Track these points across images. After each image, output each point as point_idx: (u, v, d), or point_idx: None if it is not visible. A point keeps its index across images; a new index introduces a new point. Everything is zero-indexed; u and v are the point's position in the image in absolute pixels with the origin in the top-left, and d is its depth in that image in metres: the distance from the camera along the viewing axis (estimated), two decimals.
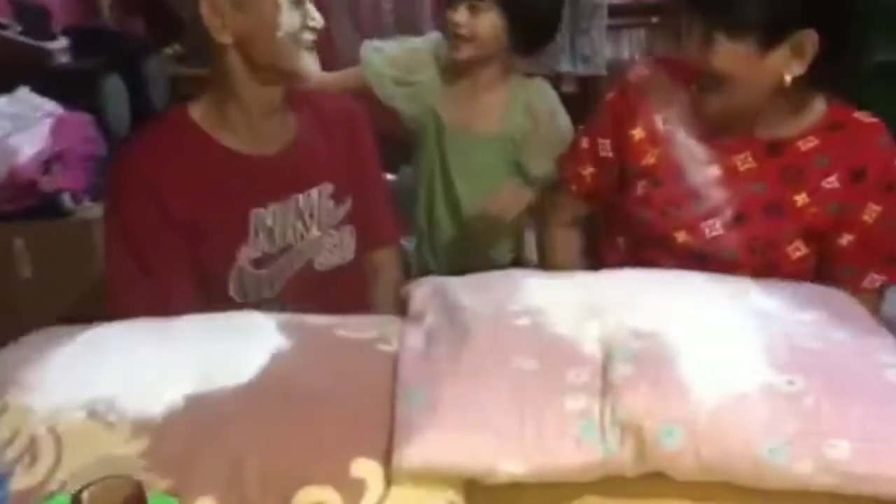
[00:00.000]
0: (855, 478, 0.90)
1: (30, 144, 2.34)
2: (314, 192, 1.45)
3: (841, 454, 0.90)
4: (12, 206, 2.32)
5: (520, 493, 0.95)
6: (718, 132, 1.35)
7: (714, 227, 1.33)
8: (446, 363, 1.02)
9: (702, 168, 1.35)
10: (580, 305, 1.09)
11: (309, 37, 1.35)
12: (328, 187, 1.47)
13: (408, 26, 3.79)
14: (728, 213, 1.33)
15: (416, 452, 0.91)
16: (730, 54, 1.23)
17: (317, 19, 1.36)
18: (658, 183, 1.37)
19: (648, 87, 1.39)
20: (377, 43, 1.96)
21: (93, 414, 0.98)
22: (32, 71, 2.57)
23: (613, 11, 3.57)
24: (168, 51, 3.05)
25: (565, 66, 3.56)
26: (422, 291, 1.22)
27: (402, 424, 0.95)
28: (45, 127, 2.41)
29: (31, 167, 2.30)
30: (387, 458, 0.93)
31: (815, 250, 1.34)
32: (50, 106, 2.48)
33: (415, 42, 1.94)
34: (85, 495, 0.78)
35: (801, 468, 0.90)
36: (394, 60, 1.89)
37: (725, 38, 1.22)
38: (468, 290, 1.17)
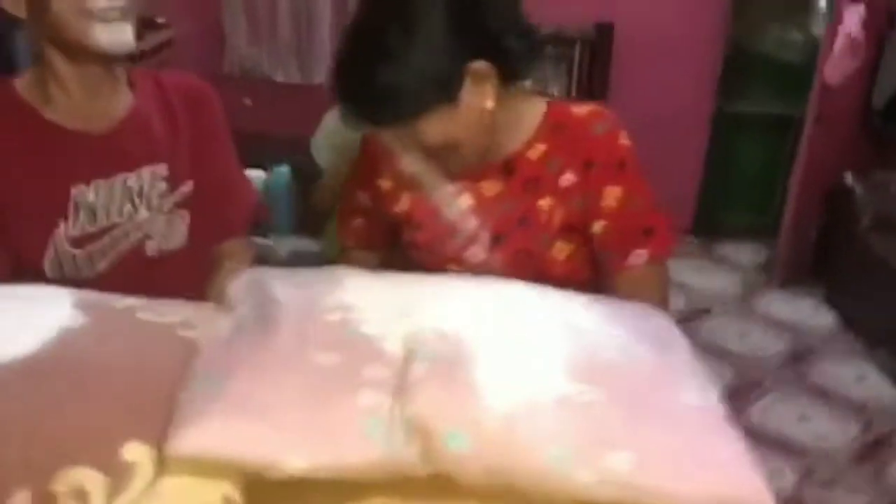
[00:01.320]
0: (635, 490, 0.90)
1: None
2: (145, 172, 1.39)
3: (623, 466, 0.90)
4: None
5: (303, 493, 0.92)
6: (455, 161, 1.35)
7: (476, 254, 1.35)
8: (244, 353, 0.98)
9: (454, 203, 1.36)
10: (393, 304, 1.07)
11: (100, 5, 1.23)
12: (162, 168, 1.41)
13: (304, 22, 3.76)
14: (485, 238, 1.35)
15: (191, 439, 0.87)
16: (431, 127, 1.19)
17: None
18: (418, 227, 1.40)
19: (386, 137, 1.33)
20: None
21: None
22: None
23: None
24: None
25: None
26: (242, 281, 1.18)
27: (181, 409, 0.91)
28: None
29: None
30: (162, 444, 0.88)
31: (581, 244, 1.34)
32: None
33: None
34: None
35: (583, 477, 0.90)
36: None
37: (414, 123, 1.19)
38: (286, 284, 1.14)
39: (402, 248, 1.45)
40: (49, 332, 1.00)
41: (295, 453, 0.89)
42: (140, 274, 1.40)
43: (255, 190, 1.66)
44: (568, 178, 1.31)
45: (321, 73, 3.76)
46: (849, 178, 3.57)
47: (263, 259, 1.79)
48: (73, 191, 1.33)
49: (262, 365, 0.96)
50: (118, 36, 1.27)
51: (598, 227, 1.32)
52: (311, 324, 1.03)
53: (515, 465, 0.90)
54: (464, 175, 1.34)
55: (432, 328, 1.02)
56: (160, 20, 3.71)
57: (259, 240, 1.86)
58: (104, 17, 1.24)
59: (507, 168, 1.33)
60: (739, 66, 3.84)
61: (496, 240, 1.34)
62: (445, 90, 1.18)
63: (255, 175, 2.72)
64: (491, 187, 1.34)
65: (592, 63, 3.77)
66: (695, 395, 1.01)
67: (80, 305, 1.07)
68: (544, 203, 1.32)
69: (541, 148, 1.32)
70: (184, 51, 3.70)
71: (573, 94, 3.79)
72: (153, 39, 3.47)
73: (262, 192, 2.26)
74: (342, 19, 3.65)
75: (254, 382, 0.93)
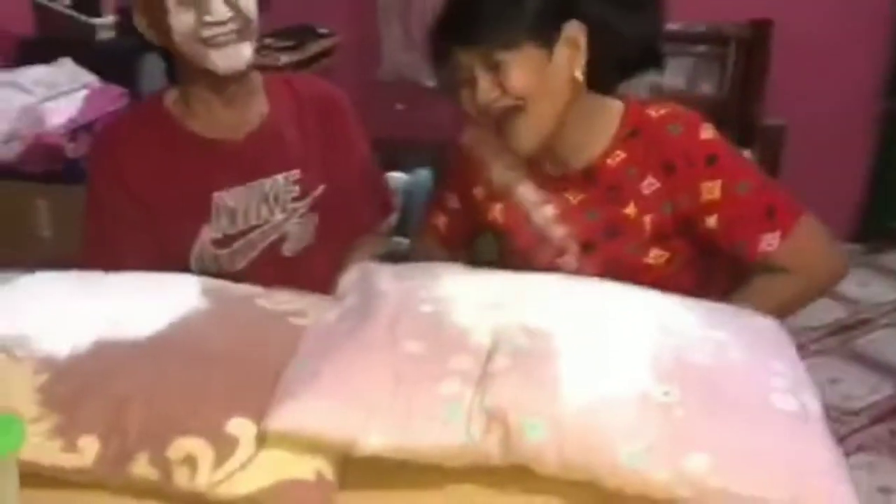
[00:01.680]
0: (709, 492, 0.89)
1: (61, 112, 2.47)
2: (280, 177, 1.49)
3: (700, 467, 0.90)
4: (38, 168, 2.44)
5: (391, 477, 0.98)
6: (542, 169, 1.36)
7: (568, 263, 1.34)
8: (341, 339, 1.05)
9: (540, 210, 1.36)
10: (484, 298, 1.10)
11: (210, 33, 1.33)
12: (295, 173, 1.50)
13: None
14: (575, 247, 1.34)
15: (284, 416, 0.94)
16: (521, 67, 1.22)
17: (214, 13, 1.33)
18: (511, 235, 1.41)
19: (480, 147, 1.41)
20: None
21: (4, 349, 1.04)
22: (77, 44, 2.70)
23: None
24: None
25: None
26: (353, 274, 1.25)
27: (281, 390, 0.98)
28: (79, 97, 2.54)
29: (57, 133, 2.41)
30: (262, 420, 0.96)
31: (681, 249, 1.32)
32: (88, 78, 2.61)
33: None
34: None
35: (659, 476, 0.90)
36: None
37: (506, 53, 1.21)
38: (391, 277, 1.20)
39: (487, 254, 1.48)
40: (176, 314, 1.11)
41: (375, 431, 0.94)
42: (277, 272, 1.49)
43: (388, 191, 1.73)
44: (650, 184, 1.30)
45: None
46: None
47: (403, 257, 1.87)
48: (215, 196, 1.46)
49: (356, 350, 1.02)
50: (232, 60, 1.37)
51: (711, 222, 1.29)
52: (405, 314, 1.08)
53: (591, 458, 0.92)
54: (548, 184, 1.36)
55: (519, 323, 1.04)
56: (322, 30, 3.91)
57: (401, 239, 1.93)
58: (217, 43, 1.35)
59: (588, 176, 1.33)
60: None
61: (586, 249, 1.34)
62: (541, 30, 1.22)
63: (397, 177, 2.82)
64: (574, 196, 1.34)
65: (748, 62, 3.64)
66: (789, 400, 0.98)
67: (207, 292, 1.18)
68: (630, 211, 1.31)
69: (620, 155, 1.32)
70: (343, 58, 3.88)
71: (725, 94, 3.67)
72: (314, 47, 3.66)
73: (404, 193, 2.33)
74: None
75: (346, 366, 1.00)
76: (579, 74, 1.25)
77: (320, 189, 1.54)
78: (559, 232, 1.36)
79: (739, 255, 1.30)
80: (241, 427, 0.97)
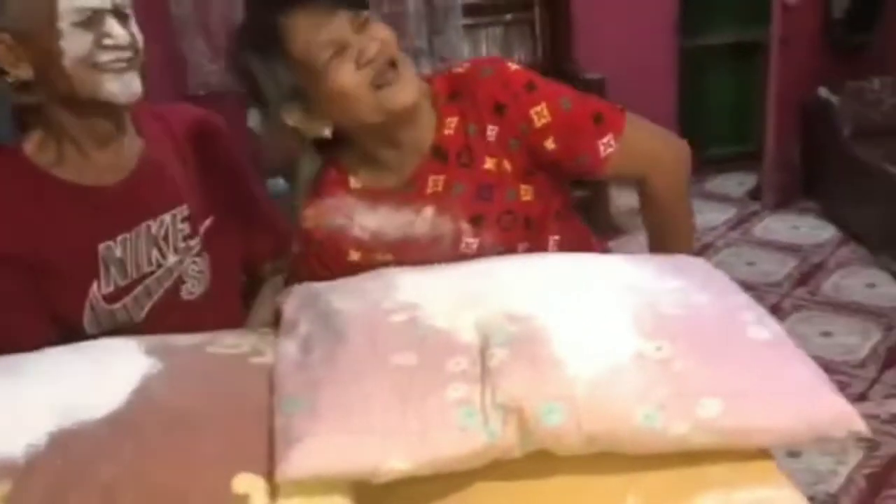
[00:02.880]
0: (728, 433, 0.93)
1: None
2: (167, 216, 1.39)
3: (712, 412, 0.93)
4: None
5: (411, 487, 0.95)
6: (386, 185, 1.34)
7: (469, 243, 1.32)
8: (323, 369, 1.00)
9: (417, 222, 1.32)
10: (454, 296, 1.09)
11: (107, 57, 1.24)
12: (182, 209, 1.40)
13: None
14: (466, 227, 1.32)
15: (299, 461, 0.89)
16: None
17: (117, 36, 1.24)
18: (402, 260, 1.30)
19: (326, 222, 1.35)
20: None
21: None
22: None
23: (468, 11, 3.63)
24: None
25: (425, 68, 3.60)
26: (293, 300, 1.19)
27: (281, 435, 0.93)
28: None
29: None
30: (269, 471, 0.90)
31: (540, 177, 1.34)
32: None
33: None
34: None
35: (676, 430, 0.93)
36: None
37: (366, 11, 1.24)
38: (341, 294, 1.15)
39: None
40: (132, 383, 1.01)
41: (396, 456, 0.91)
42: (180, 318, 1.39)
43: (282, 216, 1.62)
44: (491, 131, 1.30)
45: None
46: (823, 92, 3.62)
47: None
48: (101, 248, 1.33)
49: (344, 376, 0.98)
50: (128, 86, 1.27)
51: (549, 144, 1.30)
52: (379, 328, 1.05)
53: (612, 428, 0.93)
54: (405, 194, 1.32)
55: (501, 311, 1.04)
56: None
57: None
58: (113, 69, 1.24)
59: (438, 153, 1.32)
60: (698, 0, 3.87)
61: (474, 221, 1.32)
62: None
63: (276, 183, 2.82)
64: (436, 181, 1.32)
65: (554, 23, 3.79)
66: (761, 330, 1.04)
67: (151, 351, 1.09)
68: (489, 165, 1.31)
69: (453, 121, 1.32)
70: (151, 77, 3.67)
71: (539, 56, 3.81)
72: None
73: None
74: None
75: (341, 395, 0.95)
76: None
77: (207, 223, 1.45)
78: (446, 223, 1.32)
79: (586, 171, 1.33)
80: (247, 483, 0.90)
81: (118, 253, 1.34)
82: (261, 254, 1.57)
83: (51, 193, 1.31)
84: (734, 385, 0.95)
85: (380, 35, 1.23)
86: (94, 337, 1.29)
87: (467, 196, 1.31)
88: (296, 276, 1.37)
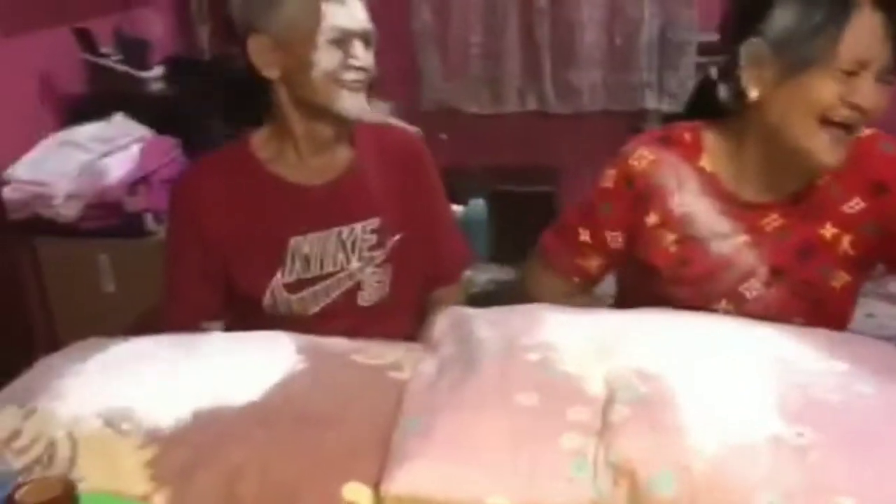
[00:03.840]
0: None
1: (118, 167, 2.49)
2: (358, 225, 1.48)
3: None
4: (99, 224, 2.46)
5: None
6: (736, 196, 1.29)
7: (754, 287, 1.28)
8: (448, 394, 1.02)
9: (727, 239, 1.29)
10: (592, 343, 1.07)
11: (350, 76, 1.37)
12: (374, 221, 1.49)
13: (494, 60, 3.84)
14: (763, 271, 1.28)
15: (404, 480, 0.92)
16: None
17: (361, 58, 1.37)
18: (685, 263, 1.31)
19: (656, 172, 1.32)
20: None
21: (109, 422, 1.03)
22: (128, 98, 2.73)
23: (703, 49, 3.52)
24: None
25: (651, 103, 3.54)
26: (444, 321, 1.23)
27: (394, 451, 0.96)
28: (134, 150, 2.56)
29: (118, 188, 2.44)
30: (378, 484, 0.94)
31: (860, 276, 1.28)
32: (141, 131, 2.64)
33: None
34: (19, 493, 0.83)
35: None
36: None
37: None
38: (488, 323, 1.17)
39: (655, 287, 1.35)
40: (274, 378, 1.09)
41: (499, 494, 0.91)
42: (352, 321, 1.48)
43: (464, 243, 1.69)
44: (855, 204, 1.24)
45: (512, 101, 3.82)
46: None
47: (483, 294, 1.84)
48: (291, 242, 1.44)
49: (465, 405, 0.99)
50: (359, 104, 1.40)
51: None
52: (511, 363, 1.05)
53: None
54: (740, 211, 1.28)
55: (634, 368, 1.01)
56: None
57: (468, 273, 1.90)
58: (351, 87, 1.38)
59: (796, 199, 1.27)
60: None
61: (775, 273, 1.27)
62: None
63: (454, 209, 2.80)
64: (771, 221, 1.27)
65: None
66: None
67: (303, 350, 1.16)
68: (826, 232, 1.26)
69: (826, 175, 1.26)
70: (382, 90, 3.88)
71: None
72: None
73: (461, 224, 2.32)
74: (528, 49, 3.70)
75: (458, 423, 0.97)
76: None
77: (397, 238, 1.52)
78: (748, 257, 1.28)
79: None
80: (357, 492, 0.94)
81: (306, 249, 1.45)
82: (443, 276, 1.63)
83: (261, 186, 1.46)
84: (873, 487, 0.86)
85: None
86: (271, 318, 1.42)
87: (789, 246, 1.28)
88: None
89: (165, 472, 0.97)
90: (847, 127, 1.16)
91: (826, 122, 1.16)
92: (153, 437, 1.01)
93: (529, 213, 2.23)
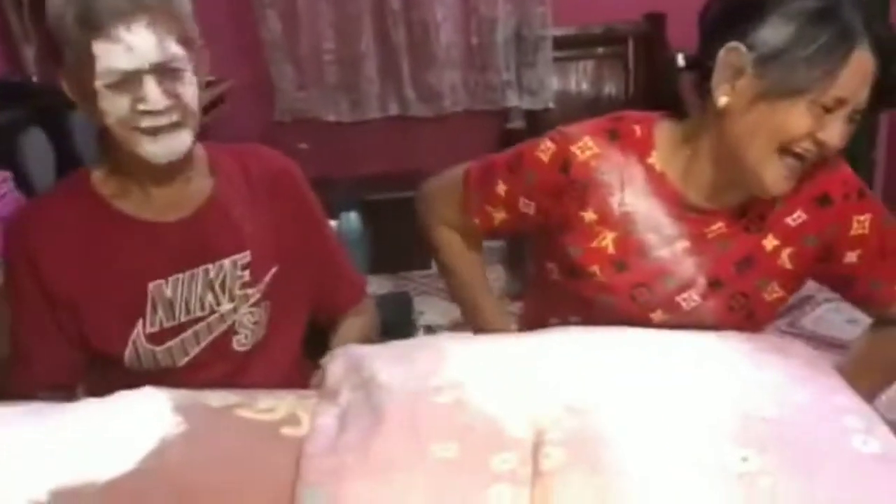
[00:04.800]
0: None
1: None
2: (226, 261, 1.31)
3: None
4: None
5: None
6: (683, 199, 1.22)
7: (691, 299, 1.21)
8: (354, 454, 0.89)
9: (668, 244, 1.22)
10: (510, 376, 0.97)
11: (145, 123, 1.17)
12: (244, 256, 1.32)
13: (350, 66, 3.71)
14: (702, 281, 1.22)
15: None
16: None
17: (151, 101, 1.15)
18: (623, 267, 1.23)
19: (599, 167, 1.22)
20: None
21: None
22: None
23: (559, 44, 3.52)
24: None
25: (512, 101, 3.51)
26: (338, 364, 1.10)
27: None
28: None
29: None
30: None
31: (792, 291, 1.25)
32: None
33: None
34: None
35: None
36: None
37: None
38: (387, 363, 1.05)
39: (586, 291, 1.26)
40: (148, 445, 0.94)
41: None
42: (226, 367, 1.32)
43: (353, 267, 1.54)
44: (798, 217, 1.19)
45: (371, 108, 3.71)
46: None
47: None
48: (150, 287, 1.27)
49: (376, 468, 0.87)
50: (167, 147, 1.19)
51: (851, 257, 1.20)
52: (421, 409, 0.93)
53: None
54: (690, 218, 1.21)
55: (562, 403, 0.91)
56: (210, 78, 3.70)
57: None
58: (152, 132, 1.18)
59: (741, 210, 1.21)
60: None
61: (713, 284, 1.21)
62: None
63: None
64: (713, 229, 1.21)
65: (648, 58, 3.64)
66: (870, 441, 0.88)
67: (180, 410, 1.00)
68: (768, 243, 1.20)
69: None
70: (235, 103, 3.69)
71: (632, 93, 3.66)
72: (206, 97, 3.46)
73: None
74: (385, 53, 3.60)
75: (370, 491, 0.84)
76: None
77: (273, 272, 1.36)
78: (688, 265, 1.21)
79: (869, 296, 1.24)
80: None
81: (168, 293, 1.28)
82: (341, 306, 1.48)
83: (107, 225, 1.27)
84: None
85: None
86: (136, 374, 1.25)
87: (729, 256, 1.21)
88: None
89: None
90: (803, 159, 1.11)
91: (785, 151, 1.10)
92: None
93: (403, 220, 2.13)
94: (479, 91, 3.60)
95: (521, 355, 1.02)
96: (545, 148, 1.25)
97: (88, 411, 1.04)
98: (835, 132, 1.08)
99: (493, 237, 1.40)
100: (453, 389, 0.95)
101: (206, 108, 3.72)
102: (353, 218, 2.87)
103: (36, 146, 2.55)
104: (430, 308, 3.02)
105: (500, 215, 1.31)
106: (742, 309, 1.19)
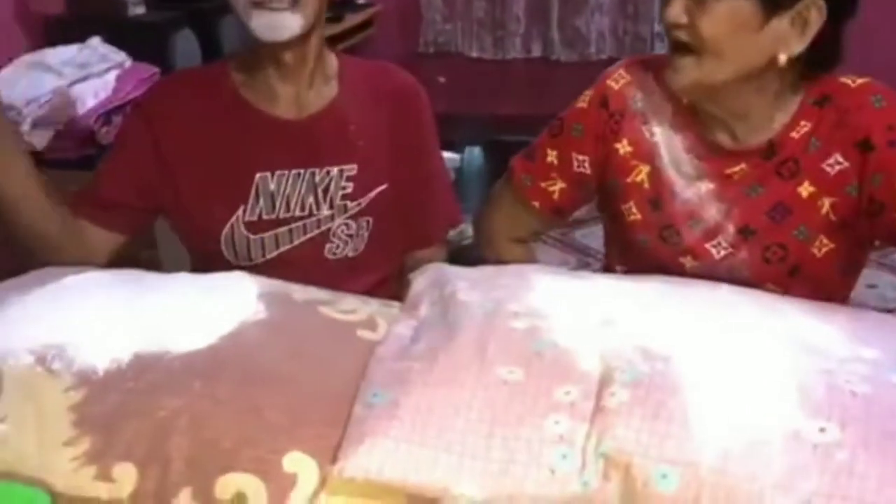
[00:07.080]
0: None
1: (93, 94, 2.32)
2: (334, 169, 1.33)
3: None
4: (69, 155, 2.30)
5: None
6: (710, 137, 1.17)
7: (721, 247, 1.16)
8: (420, 363, 0.89)
9: (692, 184, 1.17)
10: (591, 313, 0.94)
11: None
12: (352, 168, 1.34)
13: (498, 6, 3.66)
14: (731, 229, 1.16)
15: (362, 461, 0.79)
16: (725, 16, 1.04)
17: None
18: (657, 206, 1.19)
19: (633, 95, 1.20)
20: None
21: (41, 359, 0.91)
22: (107, 22, 2.57)
23: None
24: None
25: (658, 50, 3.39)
26: (423, 280, 1.10)
27: (354, 426, 0.83)
28: (110, 77, 2.39)
29: (90, 117, 2.28)
30: (326, 458, 0.82)
31: (848, 245, 1.15)
32: (119, 57, 2.46)
33: None
34: None
35: None
36: None
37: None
38: (472, 283, 1.04)
39: (625, 231, 1.25)
40: (227, 326, 0.96)
41: (471, 482, 0.79)
42: (314, 273, 1.30)
43: (455, 201, 1.52)
44: (836, 163, 1.11)
45: (515, 48, 3.65)
46: None
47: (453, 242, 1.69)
48: (257, 176, 1.30)
49: (440, 379, 0.86)
50: (273, 29, 1.21)
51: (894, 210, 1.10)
52: (495, 331, 0.92)
53: None
54: (712, 154, 1.16)
55: (636, 344, 0.88)
56: (360, 0, 3.74)
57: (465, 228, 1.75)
58: (269, 6, 1.19)
59: (768, 150, 1.14)
60: None
61: (743, 233, 1.15)
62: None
63: (449, 157, 2.66)
64: (741, 171, 1.15)
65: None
66: None
67: (264, 297, 1.03)
68: (804, 191, 1.13)
69: (805, 126, 1.13)
70: (381, 30, 3.72)
71: None
72: (353, 19, 3.50)
73: (455, 174, 2.17)
74: None
75: (430, 399, 0.84)
76: (783, 59, 1.07)
77: (379, 190, 1.37)
78: (714, 210, 1.17)
79: None
80: (299, 464, 0.82)
81: (272, 186, 1.32)
82: (424, 238, 1.46)
83: (231, 110, 1.32)
84: None
85: None
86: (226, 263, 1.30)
87: (758, 203, 1.16)
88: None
89: (89, 418, 0.86)
90: (680, 47, 1.09)
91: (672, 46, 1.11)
92: (84, 380, 0.89)
93: None
94: (627, 40, 3.49)
95: (604, 295, 0.99)
96: (585, 96, 1.25)
97: (182, 284, 1.08)
98: (671, 8, 1.07)
99: (556, 218, 1.37)
100: (530, 317, 0.93)
101: (354, 30, 3.80)
102: (476, 153, 2.86)
103: (186, 47, 2.67)
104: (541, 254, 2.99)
105: (557, 186, 1.29)
106: (781, 262, 1.11)
